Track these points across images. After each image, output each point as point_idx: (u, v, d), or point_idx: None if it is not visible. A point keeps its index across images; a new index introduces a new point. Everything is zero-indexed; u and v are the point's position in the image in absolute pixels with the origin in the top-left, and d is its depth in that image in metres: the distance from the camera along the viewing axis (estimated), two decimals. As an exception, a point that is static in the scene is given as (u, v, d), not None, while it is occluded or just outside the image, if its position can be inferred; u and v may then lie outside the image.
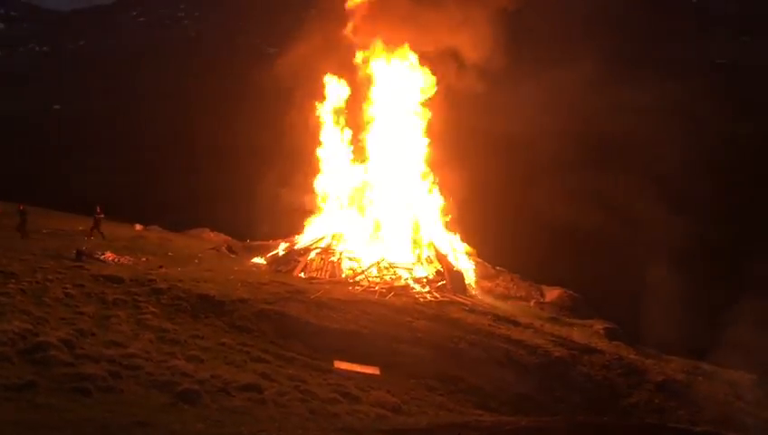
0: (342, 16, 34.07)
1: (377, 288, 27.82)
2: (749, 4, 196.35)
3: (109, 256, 27.75)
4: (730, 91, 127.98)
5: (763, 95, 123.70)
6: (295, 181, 35.19)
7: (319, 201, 34.78)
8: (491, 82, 33.84)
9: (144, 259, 28.62)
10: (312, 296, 24.88)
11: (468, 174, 35.57)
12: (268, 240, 35.33)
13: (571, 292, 34.07)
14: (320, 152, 34.89)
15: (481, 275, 33.78)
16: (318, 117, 34.81)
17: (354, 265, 30.73)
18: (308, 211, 34.51)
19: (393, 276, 29.75)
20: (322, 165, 34.88)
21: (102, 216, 32.59)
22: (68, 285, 21.76)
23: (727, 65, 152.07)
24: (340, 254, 31.10)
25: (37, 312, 18.12)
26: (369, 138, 34.33)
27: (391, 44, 33.81)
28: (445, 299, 27.76)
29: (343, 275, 29.78)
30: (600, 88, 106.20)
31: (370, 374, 20.41)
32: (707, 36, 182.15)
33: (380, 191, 33.77)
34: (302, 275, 29.80)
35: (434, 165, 34.56)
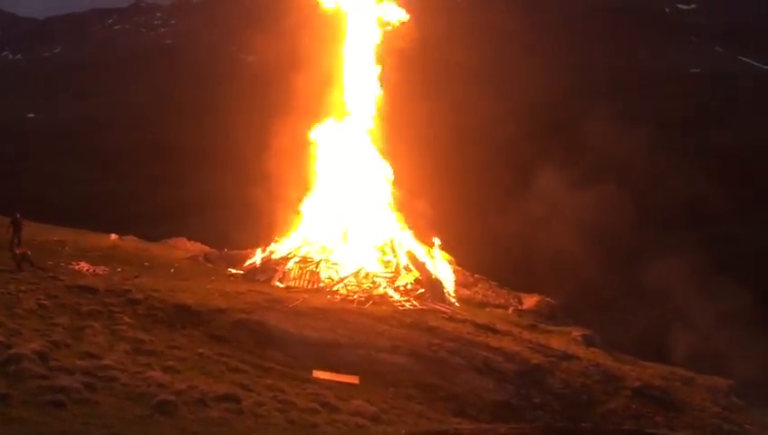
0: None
1: (355, 297, 27.74)
2: (721, 15, 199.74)
3: (83, 266, 27.39)
4: (706, 98, 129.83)
5: (738, 103, 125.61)
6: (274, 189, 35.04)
7: (296, 210, 34.66)
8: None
9: (119, 269, 28.30)
10: (290, 305, 24.76)
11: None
12: (246, 249, 35.10)
13: (548, 299, 34.24)
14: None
15: (459, 283, 33.82)
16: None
17: (332, 273, 30.64)
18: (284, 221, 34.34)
19: (371, 285, 29.69)
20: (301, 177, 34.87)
21: (22, 222, 29.43)
22: (41, 296, 21.44)
23: (701, 74, 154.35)
24: (318, 262, 30.98)
25: (10, 323, 17.82)
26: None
27: None
28: (423, 307, 27.74)
29: (321, 284, 29.67)
30: (573, 96, 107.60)
31: (349, 383, 20.34)
32: (681, 46, 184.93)
33: (356, 199, 33.80)
34: (279, 284, 29.65)
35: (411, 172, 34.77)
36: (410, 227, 34.11)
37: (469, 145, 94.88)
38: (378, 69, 34.69)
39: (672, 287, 39.67)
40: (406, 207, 34.70)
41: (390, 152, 34.94)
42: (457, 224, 42.46)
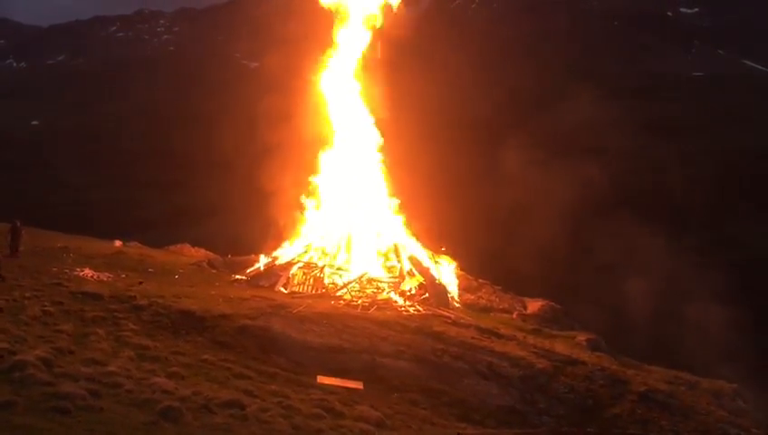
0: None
1: (359, 302, 27.72)
2: (724, 19, 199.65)
3: (88, 272, 27.44)
4: (708, 102, 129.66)
5: (741, 106, 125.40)
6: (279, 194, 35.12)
7: (300, 216, 34.71)
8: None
9: (124, 276, 28.34)
10: (294, 311, 24.74)
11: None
12: (249, 255, 35.13)
13: (553, 303, 34.17)
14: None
15: (463, 288, 33.79)
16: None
17: (336, 279, 30.65)
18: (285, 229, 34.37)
19: (375, 290, 29.69)
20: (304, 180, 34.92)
21: (22, 229, 29.70)
22: (46, 303, 21.48)
23: (704, 78, 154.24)
24: (323, 268, 30.99)
25: (14, 330, 17.84)
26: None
27: None
28: (427, 312, 27.70)
29: (325, 290, 29.66)
30: (575, 98, 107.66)
31: (354, 389, 20.29)
32: (684, 50, 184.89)
33: (359, 204, 33.85)
34: (283, 289, 29.65)
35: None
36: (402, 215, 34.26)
37: (460, 146, 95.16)
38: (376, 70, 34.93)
39: (669, 288, 39.81)
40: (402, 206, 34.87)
41: (390, 151, 35.04)
42: (442, 220, 42.69)
